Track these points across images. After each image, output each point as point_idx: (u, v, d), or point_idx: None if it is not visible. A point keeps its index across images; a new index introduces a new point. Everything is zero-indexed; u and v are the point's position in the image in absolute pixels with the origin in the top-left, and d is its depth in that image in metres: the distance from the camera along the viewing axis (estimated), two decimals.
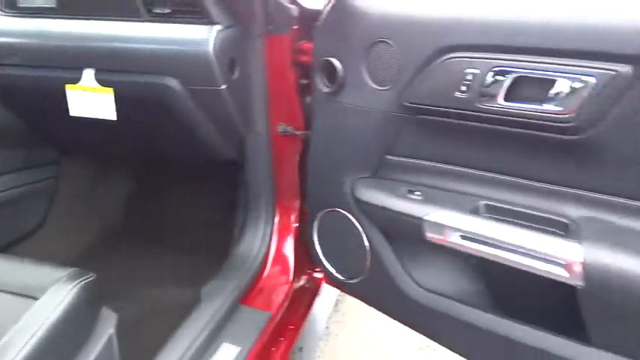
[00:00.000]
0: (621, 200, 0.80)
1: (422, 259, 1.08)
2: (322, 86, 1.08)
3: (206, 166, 1.57)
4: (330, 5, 1.04)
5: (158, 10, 1.15)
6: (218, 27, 1.12)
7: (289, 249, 1.40)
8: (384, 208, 1.03)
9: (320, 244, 1.24)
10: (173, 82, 1.14)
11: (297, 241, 1.40)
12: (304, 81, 1.24)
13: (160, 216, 1.79)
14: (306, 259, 1.40)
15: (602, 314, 0.81)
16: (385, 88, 0.98)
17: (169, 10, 1.14)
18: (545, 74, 0.79)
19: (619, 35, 0.72)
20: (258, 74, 1.23)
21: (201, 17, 1.13)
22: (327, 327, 1.77)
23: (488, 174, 0.94)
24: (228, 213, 1.49)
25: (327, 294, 1.63)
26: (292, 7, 1.17)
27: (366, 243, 1.11)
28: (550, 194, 0.87)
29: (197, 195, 1.76)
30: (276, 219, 1.41)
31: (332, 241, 1.21)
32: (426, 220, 0.95)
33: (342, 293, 1.91)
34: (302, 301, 1.46)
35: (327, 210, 1.18)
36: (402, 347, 1.66)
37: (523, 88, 0.82)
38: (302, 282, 1.46)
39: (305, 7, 1.19)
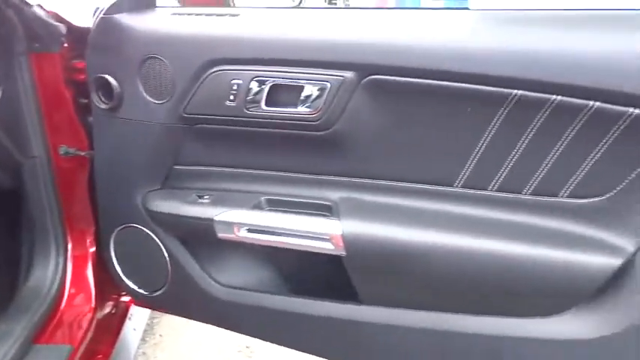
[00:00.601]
0: (367, 181, 0.99)
1: (219, 259, 1.15)
2: (99, 103, 1.07)
3: None
4: (96, 22, 1.04)
5: None
6: None
7: (88, 276, 1.33)
8: (177, 216, 1.07)
9: (119, 263, 1.22)
10: None
11: (98, 266, 1.34)
12: (84, 100, 1.21)
13: None
14: (110, 283, 1.35)
15: (364, 276, 0.99)
16: (162, 101, 1.03)
17: None
18: (295, 82, 0.94)
19: (343, 47, 0.90)
20: (27, 94, 1.16)
21: None
22: (144, 352, 1.71)
23: (265, 172, 1.06)
24: (12, 249, 1.34)
25: (138, 317, 1.59)
26: (59, 24, 1.13)
27: (165, 253, 1.14)
28: (315, 183, 1.03)
29: None
30: (69, 247, 1.33)
31: (131, 258, 1.20)
32: (216, 221, 1.02)
33: (158, 315, 1.87)
34: (109, 328, 1.39)
35: (121, 227, 1.17)
36: (223, 354, 1.71)
37: (280, 94, 0.96)
38: (108, 308, 1.40)
39: (74, 25, 1.17)
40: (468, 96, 0.85)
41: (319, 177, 1.03)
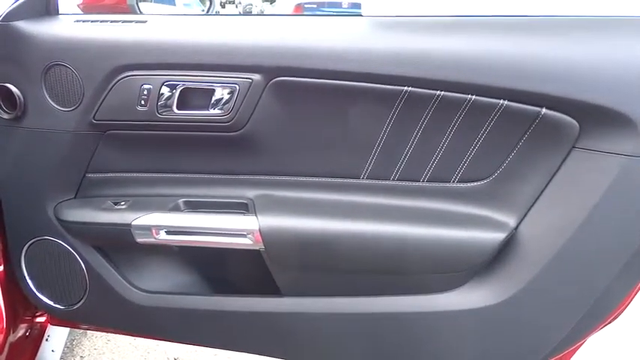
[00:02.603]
0: (280, 177, 1.05)
1: (139, 265, 1.15)
2: (1, 113, 1.04)
3: None
4: None
5: None
6: None
7: None
8: (92, 224, 1.06)
9: (31, 279, 1.18)
10: None
11: (8, 285, 1.28)
12: None
13: None
14: (22, 303, 1.29)
15: (282, 268, 1.04)
16: (70, 108, 1.02)
17: None
18: (205, 85, 0.97)
19: (250, 50, 0.95)
20: None
21: None
22: None
23: (181, 175, 1.08)
24: None
25: (56, 338, 1.52)
26: None
27: (82, 264, 1.12)
28: (231, 183, 1.07)
29: None
30: None
31: (45, 273, 1.16)
32: (133, 225, 1.03)
33: (77, 335, 1.80)
34: (23, 351, 1.33)
35: (32, 241, 1.13)
36: None
37: (192, 98, 0.99)
38: (21, 331, 1.33)
39: None
40: (365, 94, 0.93)
41: (234, 177, 1.07)
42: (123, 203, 1.08)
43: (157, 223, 1.02)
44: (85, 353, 1.75)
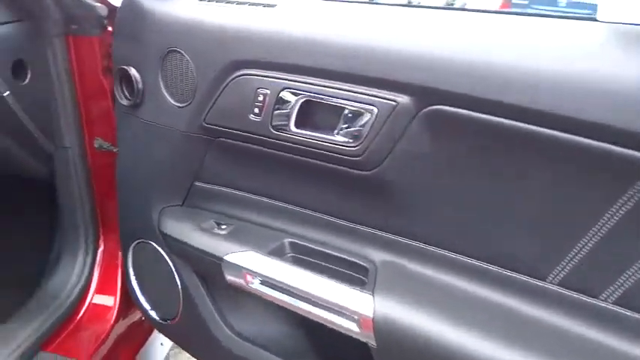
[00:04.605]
0: (418, 244, 0.71)
1: (237, 299, 0.95)
2: (122, 98, 0.92)
3: (19, 185, 1.34)
4: (122, 4, 0.88)
5: None
6: None
7: (115, 283, 1.22)
8: (188, 245, 0.89)
9: (137, 278, 1.08)
10: None
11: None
12: None
13: None
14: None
15: None
16: (183, 104, 0.84)
17: None
18: (333, 100, 0.68)
19: (404, 61, 0.62)
20: (61, 81, 1.04)
21: None
22: None
23: (294, 207, 0.83)
24: (42, 242, 1.27)
25: (162, 339, 1.44)
26: (99, 5, 0.99)
27: (178, 280, 0.96)
28: (353, 234, 0.77)
29: (7, 215, 1.44)
30: (101, 248, 1.23)
31: (146, 276, 1.05)
32: (225, 261, 0.82)
33: None
34: (130, 341, 1.27)
35: (138, 241, 1.02)
36: None
37: (313, 113, 0.72)
38: (133, 318, 1.28)
39: (117, 7, 1.02)
40: (591, 155, 0.53)
41: (358, 227, 0.77)
42: (224, 227, 0.88)
43: (253, 266, 0.79)
44: None
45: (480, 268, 0.66)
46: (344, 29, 0.68)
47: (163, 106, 0.86)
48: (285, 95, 0.72)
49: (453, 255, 0.69)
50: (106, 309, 1.20)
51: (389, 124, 0.64)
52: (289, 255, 0.82)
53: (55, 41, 1.01)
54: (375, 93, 0.64)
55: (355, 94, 0.66)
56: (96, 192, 1.19)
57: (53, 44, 1.01)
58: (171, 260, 0.96)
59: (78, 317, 1.16)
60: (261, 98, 0.73)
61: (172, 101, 0.85)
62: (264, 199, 0.86)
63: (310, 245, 0.81)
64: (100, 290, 1.21)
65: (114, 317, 1.19)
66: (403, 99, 0.62)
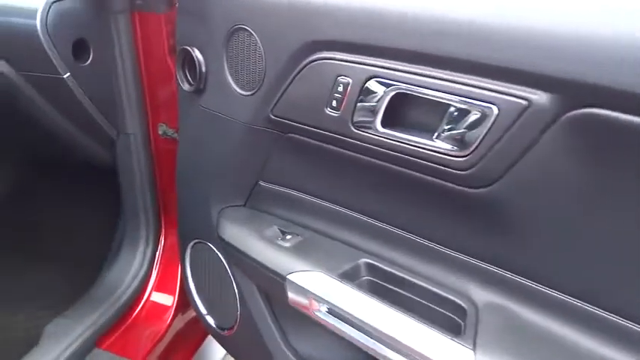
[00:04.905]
0: (538, 287, 0.54)
1: (298, 318, 0.82)
2: (183, 83, 0.81)
3: (87, 171, 1.29)
4: None
5: None
6: None
7: (175, 281, 1.14)
8: (246, 255, 0.77)
9: (194, 280, 0.99)
10: (2, 65, 0.87)
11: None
12: None
13: (29, 225, 1.41)
14: None
15: None
16: (249, 92, 0.71)
17: None
18: (435, 95, 0.52)
19: (545, 46, 0.45)
20: (123, 60, 0.96)
21: None
22: None
23: (376, 222, 0.68)
24: (103, 232, 1.22)
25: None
26: None
27: (236, 290, 0.86)
28: (450, 262, 0.61)
29: (73, 203, 1.39)
30: (162, 242, 1.16)
31: (205, 280, 0.96)
32: (288, 280, 0.69)
33: None
34: (187, 340, 1.20)
35: (196, 241, 0.92)
36: None
37: (408, 111, 0.56)
38: (188, 321, 1.20)
39: None
40: None
41: (455, 254, 0.61)
42: (289, 237, 0.75)
43: (320, 291, 0.66)
44: None
45: (625, 328, 0.48)
46: (459, 2, 0.51)
47: (227, 94, 0.74)
48: (372, 85, 0.57)
49: (586, 307, 0.51)
50: (164, 308, 1.13)
51: (515, 130, 0.47)
52: (364, 279, 0.67)
53: (119, 18, 0.92)
54: (496, 87, 0.47)
55: (468, 89, 0.49)
56: (159, 182, 1.12)
57: (117, 21, 0.92)
58: (229, 267, 0.86)
59: (134, 314, 1.10)
60: (341, 88, 0.59)
61: (237, 88, 0.73)
62: (338, 208, 0.72)
63: (392, 270, 0.66)
64: (158, 288, 1.14)
65: (171, 316, 1.12)
66: (539, 97, 0.44)
